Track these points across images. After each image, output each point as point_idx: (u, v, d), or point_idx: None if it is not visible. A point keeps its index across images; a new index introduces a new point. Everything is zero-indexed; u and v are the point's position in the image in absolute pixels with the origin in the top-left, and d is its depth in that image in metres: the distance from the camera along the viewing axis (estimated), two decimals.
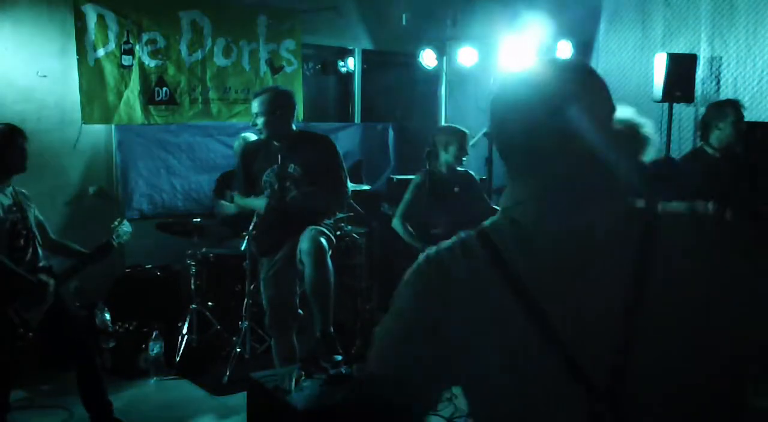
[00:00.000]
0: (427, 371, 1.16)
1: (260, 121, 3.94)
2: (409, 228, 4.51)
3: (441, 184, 4.52)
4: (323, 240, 3.78)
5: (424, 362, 1.15)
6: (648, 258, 1.06)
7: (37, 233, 3.78)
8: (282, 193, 3.98)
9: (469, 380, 1.17)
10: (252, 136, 5.21)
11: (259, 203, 4.09)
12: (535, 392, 1.08)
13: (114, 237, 3.93)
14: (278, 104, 3.94)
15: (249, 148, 4.28)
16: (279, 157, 3.97)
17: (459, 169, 4.67)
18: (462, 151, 4.58)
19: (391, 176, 6.49)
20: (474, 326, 1.12)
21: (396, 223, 4.56)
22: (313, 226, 3.88)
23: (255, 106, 3.96)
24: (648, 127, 3.05)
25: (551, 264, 1.10)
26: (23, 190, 3.81)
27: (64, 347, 3.91)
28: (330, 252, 3.86)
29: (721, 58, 5.92)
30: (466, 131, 4.77)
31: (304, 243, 3.78)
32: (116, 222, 4.00)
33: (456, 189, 4.59)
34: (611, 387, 1.03)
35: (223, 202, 5.31)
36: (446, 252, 1.19)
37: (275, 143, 4.01)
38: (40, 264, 3.75)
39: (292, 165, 3.97)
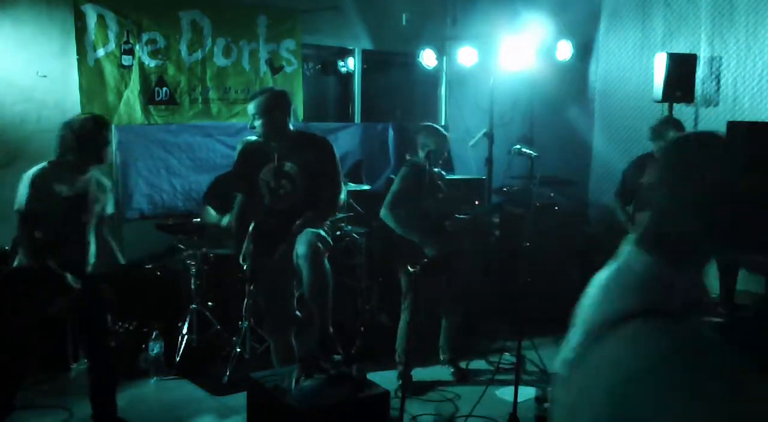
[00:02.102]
0: None
1: (258, 123, 3.95)
2: (401, 216, 4.51)
3: (424, 175, 4.53)
4: (320, 244, 3.78)
5: None
6: None
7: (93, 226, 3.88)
8: (278, 190, 4.01)
9: None
10: (254, 139, 5.21)
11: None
12: None
13: None
14: (274, 105, 3.94)
15: (248, 148, 4.31)
16: (276, 156, 3.98)
17: (435, 169, 4.68)
18: (438, 153, 4.60)
19: (391, 176, 6.47)
20: None
21: (384, 214, 4.57)
22: (310, 229, 3.87)
23: (251, 108, 3.96)
24: None
25: None
26: (105, 182, 3.93)
27: (85, 341, 4.05)
28: (327, 255, 3.86)
29: (721, 58, 5.92)
30: (447, 134, 4.76)
31: (300, 248, 3.78)
32: None
33: (439, 182, 4.69)
34: None
35: (208, 208, 5.31)
36: None
37: (273, 143, 4.02)
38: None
39: (289, 164, 3.97)
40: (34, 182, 3.63)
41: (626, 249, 1.23)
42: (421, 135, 4.66)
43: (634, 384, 1.03)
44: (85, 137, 3.71)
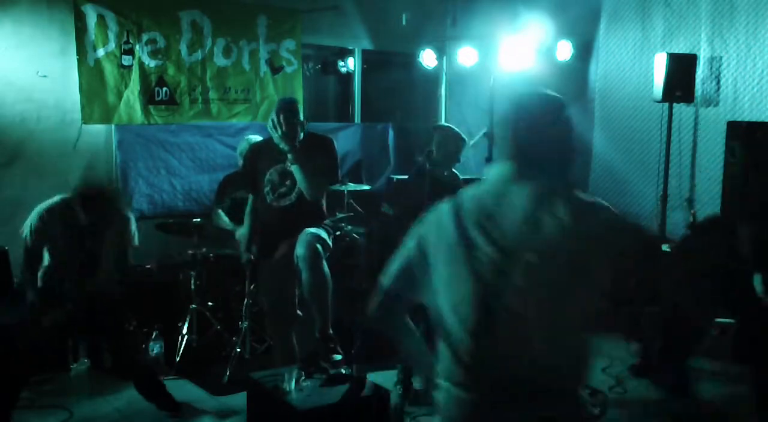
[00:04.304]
0: None
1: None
2: None
3: (440, 177, 4.44)
4: (318, 246, 3.80)
5: None
6: None
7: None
8: (280, 189, 4.04)
9: None
10: (256, 138, 5.22)
11: None
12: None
13: None
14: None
15: (255, 148, 4.38)
16: (289, 157, 4.03)
17: (445, 172, 4.55)
18: (455, 156, 4.48)
19: (391, 176, 6.49)
20: None
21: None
22: (310, 230, 3.89)
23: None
24: None
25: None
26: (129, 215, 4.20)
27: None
28: (327, 256, 3.87)
29: (721, 58, 5.91)
30: (465, 138, 4.70)
31: (299, 249, 3.80)
32: None
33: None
34: None
35: (221, 212, 5.27)
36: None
37: (287, 145, 4.06)
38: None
39: (297, 165, 4.02)
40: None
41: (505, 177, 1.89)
42: (438, 136, 4.48)
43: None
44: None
